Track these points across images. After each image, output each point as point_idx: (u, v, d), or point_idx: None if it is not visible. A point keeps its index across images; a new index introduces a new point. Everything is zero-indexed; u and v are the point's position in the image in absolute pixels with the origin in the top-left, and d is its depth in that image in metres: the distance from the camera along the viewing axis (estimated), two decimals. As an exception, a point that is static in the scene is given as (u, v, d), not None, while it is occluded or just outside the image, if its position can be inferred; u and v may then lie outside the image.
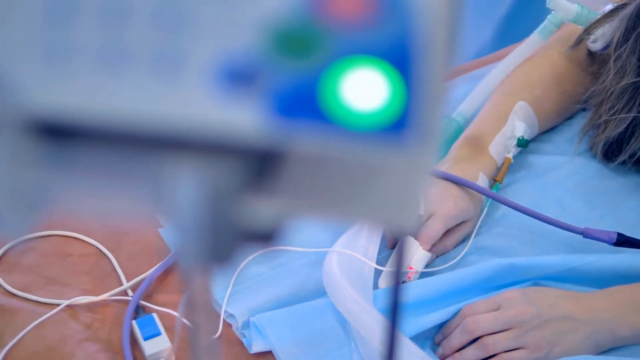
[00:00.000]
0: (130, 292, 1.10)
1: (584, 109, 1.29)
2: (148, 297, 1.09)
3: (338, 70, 0.33)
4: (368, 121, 0.33)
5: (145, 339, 1.02)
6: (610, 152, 1.21)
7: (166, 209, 0.34)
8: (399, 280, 0.53)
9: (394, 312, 0.54)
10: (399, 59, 0.32)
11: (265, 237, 0.37)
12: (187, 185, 0.34)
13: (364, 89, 0.33)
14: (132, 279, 1.11)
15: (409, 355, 0.94)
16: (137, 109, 0.33)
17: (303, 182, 0.36)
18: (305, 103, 0.33)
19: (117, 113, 0.33)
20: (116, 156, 0.34)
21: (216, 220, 0.34)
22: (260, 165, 0.35)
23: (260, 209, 0.36)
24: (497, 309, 1.01)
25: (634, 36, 1.14)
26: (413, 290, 1.05)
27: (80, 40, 0.33)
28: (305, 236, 1.15)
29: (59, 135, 0.35)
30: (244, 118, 0.33)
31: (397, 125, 0.33)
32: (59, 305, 1.07)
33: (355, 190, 0.37)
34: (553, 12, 1.27)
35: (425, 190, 0.39)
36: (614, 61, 1.17)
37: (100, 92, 0.33)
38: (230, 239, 0.35)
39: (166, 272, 1.12)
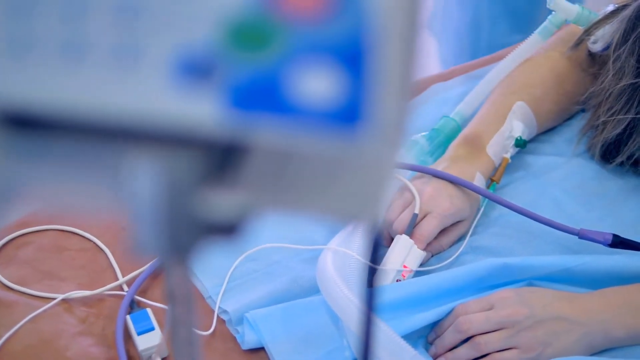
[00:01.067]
0: (125, 287, 1.10)
1: (583, 110, 1.29)
2: (143, 292, 1.09)
3: (293, 64, 0.33)
4: (322, 114, 0.33)
5: (139, 333, 1.03)
6: (608, 154, 1.20)
7: (125, 200, 0.35)
8: (372, 275, 0.53)
9: (369, 305, 0.54)
10: (352, 53, 0.32)
11: (228, 230, 0.37)
12: (146, 176, 0.34)
13: (319, 83, 0.33)
14: (128, 274, 1.11)
15: (400, 352, 0.94)
16: (96, 101, 0.33)
17: (264, 176, 0.36)
18: (261, 96, 0.33)
19: (77, 105, 0.34)
20: (77, 147, 0.35)
21: (174, 212, 0.35)
22: (220, 158, 0.35)
23: (222, 201, 0.36)
24: (490, 309, 1.01)
25: (632, 37, 1.14)
26: (407, 288, 1.05)
27: (41, 32, 0.34)
28: (301, 234, 1.15)
29: (22, 126, 0.35)
30: (201, 110, 0.33)
31: (351, 118, 0.33)
32: (54, 299, 1.07)
33: (316, 184, 0.37)
34: (553, 12, 1.27)
35: (389, 186, 0.39)
36: (613, 62, 1.16)
37: (60, 84, 0.33)
38: (190, 231, 0.36)
39: (160, 268, 1.13)
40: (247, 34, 0.32)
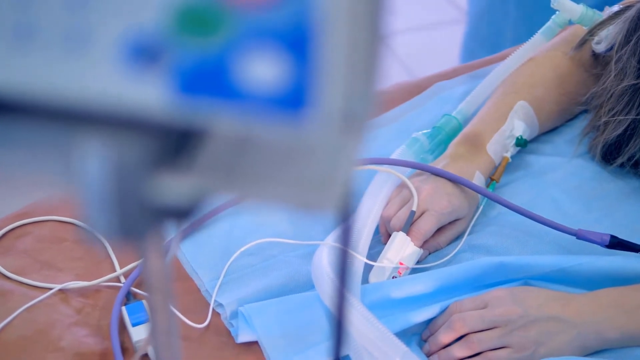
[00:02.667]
0: (122, 279, 1.11)
1: (586, 111, 1.28)
2: (140, 284, 1.10)
3: (240, 50, 0.33)
4: (267, 100, 0.34)
5: (134, 325, 1.03)
6: (609, 155, 1.20)
7: (76, 182, 0.35)
8: (345, 260, 0.53)
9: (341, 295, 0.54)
10: (297, 39, 0.32)
11: (181, 214, 0.37)
12: (95, 159, 0.34)
13: (264, 69, 0.33)
14: (126, 266, 1.12)
15: (392, 348, 0.94)
16: (46, 83, 0.34)
17: (218, 161, 0.37)
18: (207, 81, 0.33)
19: (27, 87, 0.34)
20: (28, 130, 0.35)
21: (124, 195, 0.35)
22: (171, 142, 0.35)
23: (174, 186, 0.36)
24: (484, 307, 1.01)
25: (635, 38, 1.14)
26: (402, 285, 1.05)
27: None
28: (298, 229, 1.16)
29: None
30: (149, 94, 0.34)
31: (295, 104, 0.33)
32: (51, 289, 1.08)
33: (270, 171, 0.37)
34: (557, 12, 1.26)
35: (348, 176, 0.39)
36: (615, 63, 1.16)
37: (10, 66, 0.34)
38: (141, 214, 0.36)
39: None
40: (195, 20, 0.33)
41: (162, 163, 0.36)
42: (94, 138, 0.34)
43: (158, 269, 0.57)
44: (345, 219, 0.51)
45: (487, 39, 1.99)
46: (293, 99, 0.33)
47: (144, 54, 0.33)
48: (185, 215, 0.38)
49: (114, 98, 0.34)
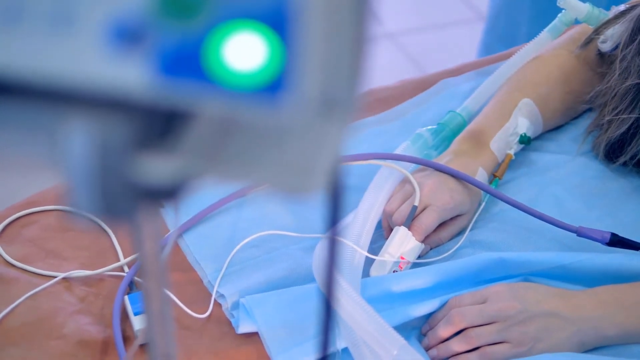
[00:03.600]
0: (126, 269, 1.12)
1: (591, 109, 1.29)
2: (143, 274, 1.10)
3: (220, 32, 0.34)
4: (247, 82, 0.34)
5: (136, 314, 1.04)
6: (612, 153, 1.20)
7: (61, 162, 0.36)
8: (333, 248, 0.54)
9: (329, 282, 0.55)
10: (277, 23, 0.33)
11: (165, 194, 0.38)
12: (79, 138, 0.35)
13: (244, 51, 0.34)
14: (130, 255, 1.13)
15: (389, 341, 0.95)
16: (31, 63, 0.35)
17: (201, 143, 0.38)
18: (187, 63, 0.34)
19: (12, 67, 0.35)
20: (14, 110, 0.36)
21: (106, 174, 0.36)
22: (155, 123, 0.36)
23: (158, 166, 0.37)
24: (483, 302, 1.02)
25: (639, 37, 1.14)
26: (402, 279, 1.06)
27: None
28: (302, 222, 1.17)
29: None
30: (131, 76, 0.34)
31: (273, 87, 0.34)
32: (55, 277, 1.09)
33: (254, 153, 0.38)
34: (564, 10, 1.27)
35: (333, 161, 0.40)
36: (620, 62, 1.16)
37: (-3, 46, 0.35)
38: (125, 193, 0.37)
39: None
40: (176, 2, 0.34)
41: (145, 144, 0.37)
42: (79, 118, 0.35)
43: (153, 255, 0.58)
44: (334, 207, 0.52)
45: (505, 35, 2.00)
46: (271, 83, 0.34)
47: (127, 36, 0.34)
48: (169, 195, 0.38)
49: (98, 79, 0.35)
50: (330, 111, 0.37)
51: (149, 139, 0.37)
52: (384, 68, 2.70)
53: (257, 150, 0.38)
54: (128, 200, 0.37)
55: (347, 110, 0.40)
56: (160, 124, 0.37)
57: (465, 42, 2.87)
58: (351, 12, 0.36)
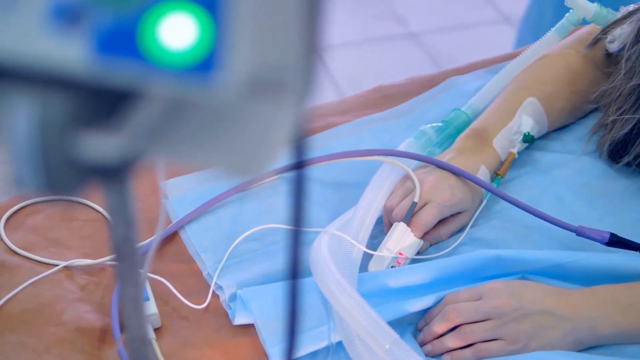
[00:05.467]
0: (127, 259, 1.13)
1: (597, 109, 1.28)
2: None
3: (154, 12, 0.35)
4: (180, 61, 0.35)
5: (134, 303, 1.05)
6: (615, 153, 1.20)
7: (3, 138, 0.37)
8: (297, 241, 0.54)
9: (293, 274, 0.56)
10: (208, 2, 0.34)
11: (109, 172, 0.39)
12: (21, 115, 0.36)
13: (178, 30, 0.35)
14: (132, 246, 1.14)
15: (382, 336, 0.95)
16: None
17: (147, 123, 0.38)
18: (123, 42, 0.35)
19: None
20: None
21: (48, 151, 0.37)
22: (96, 101, 0.37)
23: (102, 144, 0.38)
24: (479, 299, 1.02)
25: (645, 38, 1.14)
26: (400, 275, 1.06)
27: None
28: (305, 217, 1.17)
29: None
30: (70, 54, 0.35)
31: (204, 66, 0.35)
32: (57, 265, 1.10)
33: (198, 134, 0.39)
34: (571, 10, 1.26)
35: (277, 144, 0.40)
36: (625, 61, 1.16)
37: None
38: (66, 170, 0.38)
39: (164, 242, 1.15)
40: (112, -18, 0.34)
41: (89, 122, 0.37)
42: (21, 95, 0.36)
43: (126, 237, 0.59)
44: (297, 195, 0.53)
45: (536, 28, 1.99)
46: (202, 62, 0.35)
47: (66, 15, 0.35)
48: (113, 174, 0.39)
49: (39, 57, 0.36)
50: (269, 92, 0.38)
51: (94, 117, 0.38)
52: (407, 68, 2.70)
53: (202, 130, 0.39)
54: (71, 176, 0.38)
55: (297, 93, 0.41)
56: (105, 103, 0.38)
57: (489, 43, 2.87)
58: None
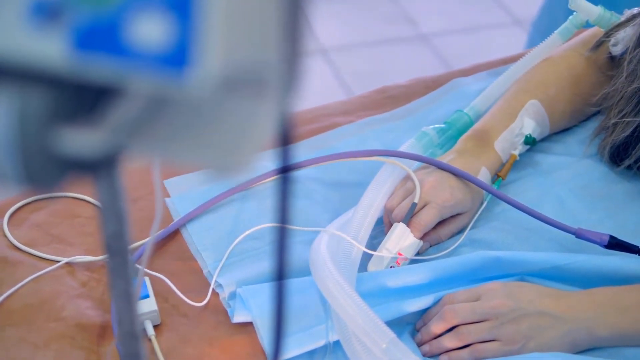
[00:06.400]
0: (129, 256, 1.13)
1: (599, 112, 1.28)
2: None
3: (130, 9, 0.35)
4: (155, 57, 0.36)
5: (134, 300, 1.06)
6: (617, 156, 1.20)
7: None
8: (283, 235, 0.55)
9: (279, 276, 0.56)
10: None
11: (88, 166, 0.39)
12: (1, 109, 0.37)
13: (152, 26, 0.35)
14: (133, 243, 1.15)
15: (379, 335, 0.96)
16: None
17: (127, 118, 0.39)
18: (100, 38, 0.36)
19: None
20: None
21: (27, 145, 0.37)
22: (77, 96, 0.38)
23: (82, 139, 0.39)
24: (477, 300, 1.02)
25: (646, 41, 1.14)
26: (398, 275, 1.06)
27: None
28: (303, 216, 1.18)
29: None
30: (50, 49, 0.36)
31: (178, 62, 0.35)
32: (58, 261, 1.11)
33: (178, 130, 0.39)
34: (575, 13, 1.27)
35: (256, 140, 0.41)
36: (627, 64, 1.16)
37: None
38: (45, 164, 0.38)
39: (165, 240, 1.16)
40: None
41: (68, 116, 0.38)
42: (0, 90, 0.37)
43: (117, 232, 0.59)
44: (283, 192, 0.53)
45: (546, 33, 2.00)
46: (176, 58, 0.35)
47: (45, 11, 0.36)
48: (93, 168, 0.40)
49: (19, 52, 0.36)
50: (247, 88, 0.38)
51: (74, 112, 0.38)
52: (417, 69, 2.70)
53: (182, 127, 0.39)
54: (51, 171, 0.39)
55: (278, 90, 0.41)
56: (85, 99, 0.39)
57: (500, 46, 2.87)
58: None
